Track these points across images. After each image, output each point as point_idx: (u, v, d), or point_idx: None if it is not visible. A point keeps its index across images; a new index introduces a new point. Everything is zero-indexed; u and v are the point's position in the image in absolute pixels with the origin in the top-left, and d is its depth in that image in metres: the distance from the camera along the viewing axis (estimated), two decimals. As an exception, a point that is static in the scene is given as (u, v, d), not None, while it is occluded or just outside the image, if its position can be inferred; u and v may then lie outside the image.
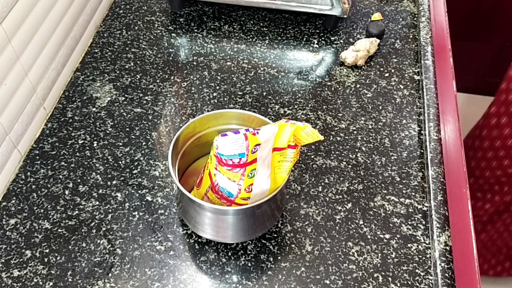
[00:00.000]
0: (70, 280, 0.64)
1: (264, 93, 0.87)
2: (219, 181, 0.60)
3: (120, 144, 0.79)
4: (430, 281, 0.65)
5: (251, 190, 0.59)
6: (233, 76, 0.90)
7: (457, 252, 0.66)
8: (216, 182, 0.60)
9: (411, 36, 0.98)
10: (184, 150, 0.68)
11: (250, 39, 0.97)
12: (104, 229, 0.69)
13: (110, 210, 0.71)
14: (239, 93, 0.87)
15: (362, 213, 0.71)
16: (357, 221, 0.71)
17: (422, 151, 0.79)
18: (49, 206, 0.71)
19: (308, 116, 0.84)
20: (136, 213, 0.71)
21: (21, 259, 0.66)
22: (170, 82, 0.89)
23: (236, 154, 0.56)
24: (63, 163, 0.77)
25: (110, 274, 0.65)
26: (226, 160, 0.56)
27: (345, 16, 0.94)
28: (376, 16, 1.02)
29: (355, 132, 0.82)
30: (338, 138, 0.81)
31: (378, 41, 0.93)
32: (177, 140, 0.64)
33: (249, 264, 0.66)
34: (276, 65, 0.92)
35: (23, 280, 0.64)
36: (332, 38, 0.98)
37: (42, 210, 0.71)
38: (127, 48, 0.95)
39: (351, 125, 0.83)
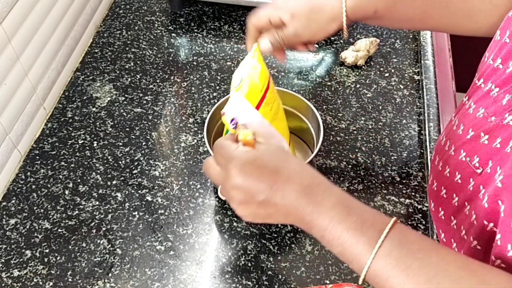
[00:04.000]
0: (70, 280, 0.64)
1: (264, 93, 0.87)
2: None
3: (120, 144, 0.79)
4: (430, 281, 0.65)
5: None
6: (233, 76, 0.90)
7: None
8: None
9: (411, 36, 0.98)
10: (216, 129, 0.72)
11: (250, 39, 0.97)
12: (104, 229, 0.69)
13: (110, 210, 0.71)
14: (239, 93, 0.87)
15: (362, 213, 0.71)
16: (357, 221, 0.71)
17: (422, 151, 0.79)
18: (49, 206, 0.71)
19: (308, 116, 0.84)
20: (136, 213, 0.71)
21: (21, 259, 0.66)
22: (170, 82, 0.89)
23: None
24: (63, 163, 0.77)
25: (110, 274, 0.65)
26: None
27: (345, 16, 0.94)
28: (376, 16, 1.02)
29: (355, 132, 0.82)
30: (338, 138, 0.81)
31: (378, 41, 0.93)
32: (213, 113, 0.69)
33: (249, 264, 0.66)
34: (276, 65, 0.92)
35: (23, 280, 0.64)
36: (332, 38, 0.98)
37: (42, 210, 0.71)
38: (127, 48, 0.95)
39: (351, 125, 0.83)
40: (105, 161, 0.77)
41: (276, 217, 0.47)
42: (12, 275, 0.64)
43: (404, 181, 0.75)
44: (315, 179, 0.46)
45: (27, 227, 0.69)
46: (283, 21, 0.59)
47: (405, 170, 0.77)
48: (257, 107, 0.57)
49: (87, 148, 0.79)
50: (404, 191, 0.74)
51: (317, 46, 0.96)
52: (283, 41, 0.60)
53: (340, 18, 0.59)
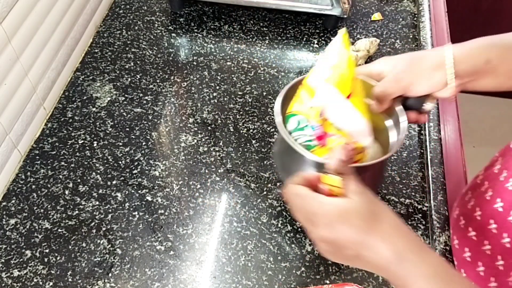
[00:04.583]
0: (70, 280, 0.64)
1: (264, 93, 0.87)
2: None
3: (120, 144, 0.79)
4: (430, 281, 0.65)
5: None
6: (233, 76, 0.90)
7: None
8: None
9: (411, 36, 0.99)
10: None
11: (250, 39, 0.97)
12: (104, 229, 0.69)
13: (110, 210, 0.71)
14: (239, 93, 0.87)
15: (362, 213, 0.71)
16: (357, 221, 0.71)
17: (422, 151, 0.79)
18: (49, 206, 0.71)
19: (308, 116, 0.83)
20: (136, 213, 0.71)
21: (21, 259, 0.66)
22: (170, 82, 0.89)
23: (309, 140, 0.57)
24: (63, 163, 0.77)
25: (110, 274, 0.65)
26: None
27: (345, 16, 0.94)
28: (376, 16, 1.02)
29: (355, 132, 0.82)
30: (338, 138, 0.80)
31: (378, 41, 0.93)
32: (288, 91, 0.62)
33: (249, 264, 0.66)
34: (276, 65, 0.92)
35: (23, 280, 0.64)
36: (332, 38, 0.97)
37: (42, 210, 0.71)
38: (127, 48, 0.95)
39: (351, 125, 0.83)
40: (105, 161, 0.77)
41: (363, 267, 0.46)
42: (12, 275, 0.64)
43: (404, 181, 0.75)
44: (409, 242, 0.43)
45: (27, 227, 0.69)
46: (383, 72, 0.60)
47: (405, 170, 0.77)
48: (348, 97, 0.55)
49: (87, 148, 0.79)
50: (404, 191, 0.74)
51: (317, 46, 0.96)
52: (385, 89, 0.58)
53: (444, 66, 0.55)
